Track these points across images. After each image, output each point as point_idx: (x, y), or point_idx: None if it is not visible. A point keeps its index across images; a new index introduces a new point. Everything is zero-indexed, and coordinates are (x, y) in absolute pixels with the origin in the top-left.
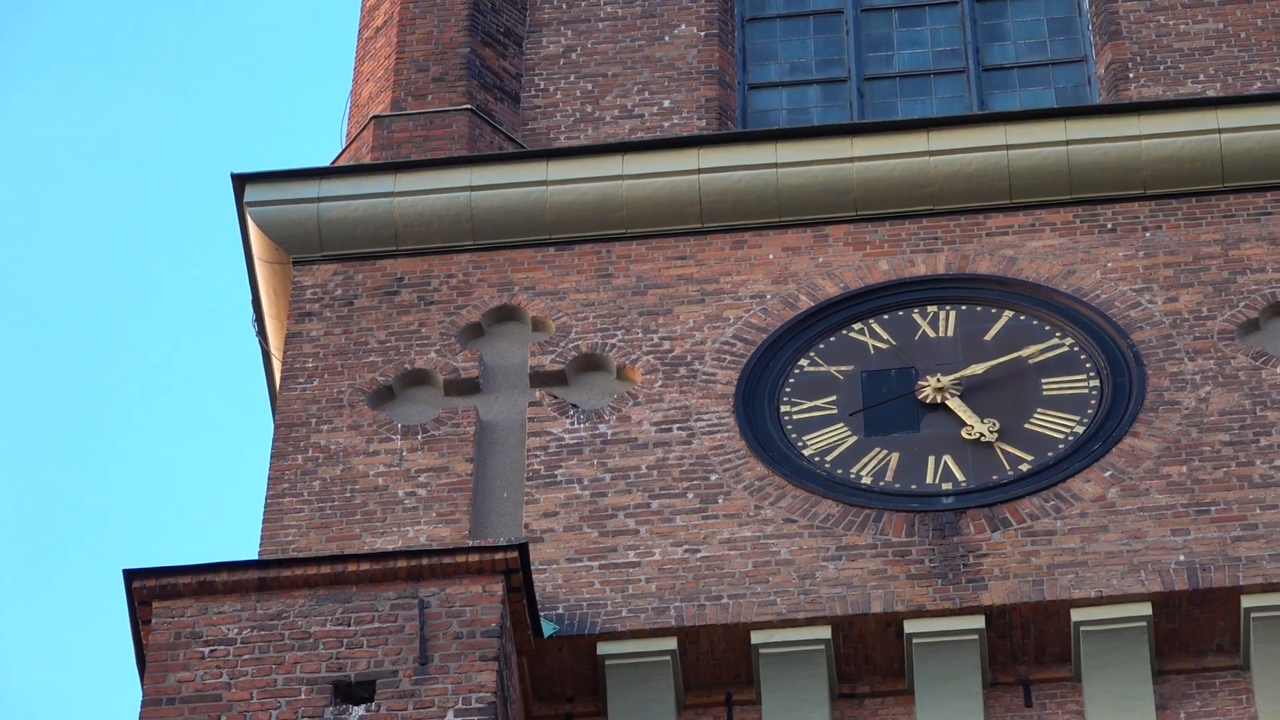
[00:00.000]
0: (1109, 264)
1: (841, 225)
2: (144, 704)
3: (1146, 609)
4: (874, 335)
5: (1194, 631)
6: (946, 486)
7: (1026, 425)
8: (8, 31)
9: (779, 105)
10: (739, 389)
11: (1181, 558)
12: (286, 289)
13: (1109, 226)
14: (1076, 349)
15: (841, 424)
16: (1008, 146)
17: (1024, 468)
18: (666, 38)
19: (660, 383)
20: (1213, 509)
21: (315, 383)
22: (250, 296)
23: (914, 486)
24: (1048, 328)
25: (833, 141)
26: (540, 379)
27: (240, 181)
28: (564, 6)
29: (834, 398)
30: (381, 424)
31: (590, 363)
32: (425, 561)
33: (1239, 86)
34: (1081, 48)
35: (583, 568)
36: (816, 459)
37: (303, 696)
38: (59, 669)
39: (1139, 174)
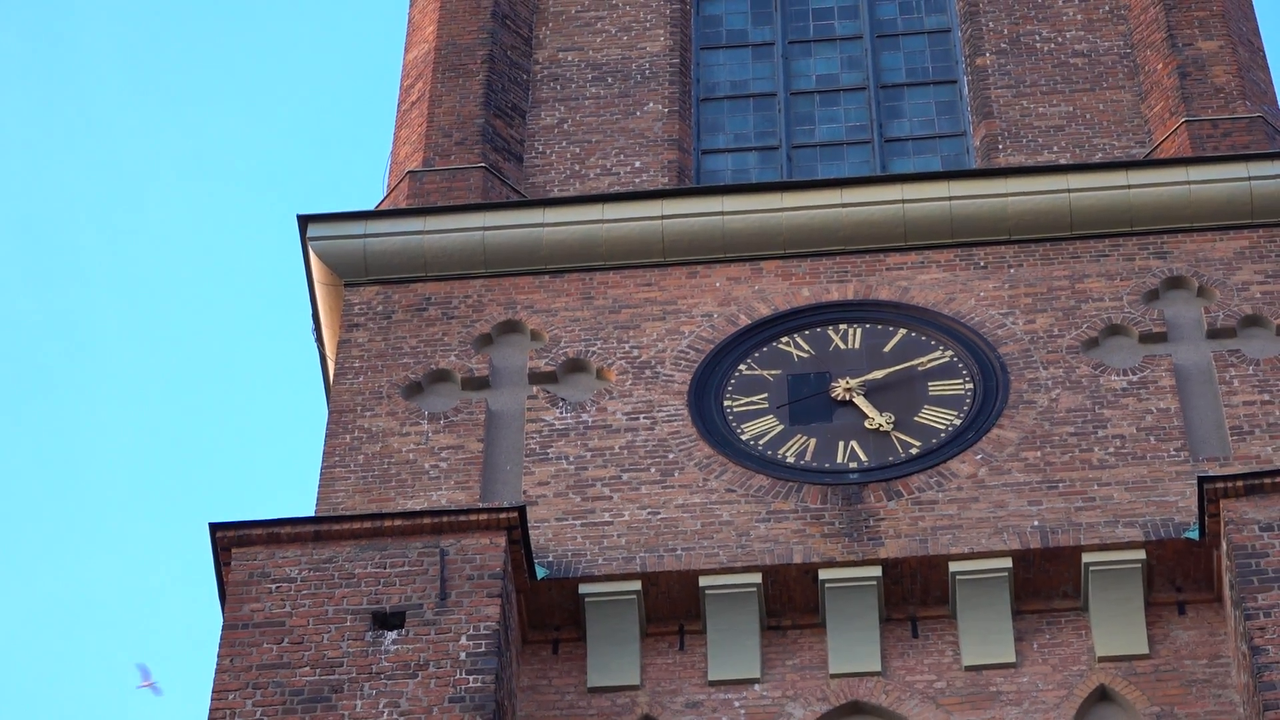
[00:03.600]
0: (981, 293)
1: (774, 260)
2: (224, 628)
3: (1008, 563)
4: (797, 346)
5: (1045, 581)
6: (853, 465)
7: (916, 418)
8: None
9: (726, 167)
10: (692, 387)
11: (1036, 523)
12: (339, 306)
13: (982, 264)
14: (955, 359)
15: (771, 415)
16: (903, 201)
17: (913, 451)
18: (638, 113)
19: (630, 381)
20: (1060, 485)
21: (361, 379)
22: (311, 312)
23: (827, 465)
24: (933, 342)
25: (767, 195)
26: (537, 378)
27: (304, 221)
28: (558, 88)
29: (765, 395)
30: (412, 412)
31: (576, 365)
32: (445, 519)
33: (1085, 156)
34: (962, 124)
35: (568, 525)
36: (752, 442)
37: (349, 623)
38: (156, 604)
39: (1006, 223)
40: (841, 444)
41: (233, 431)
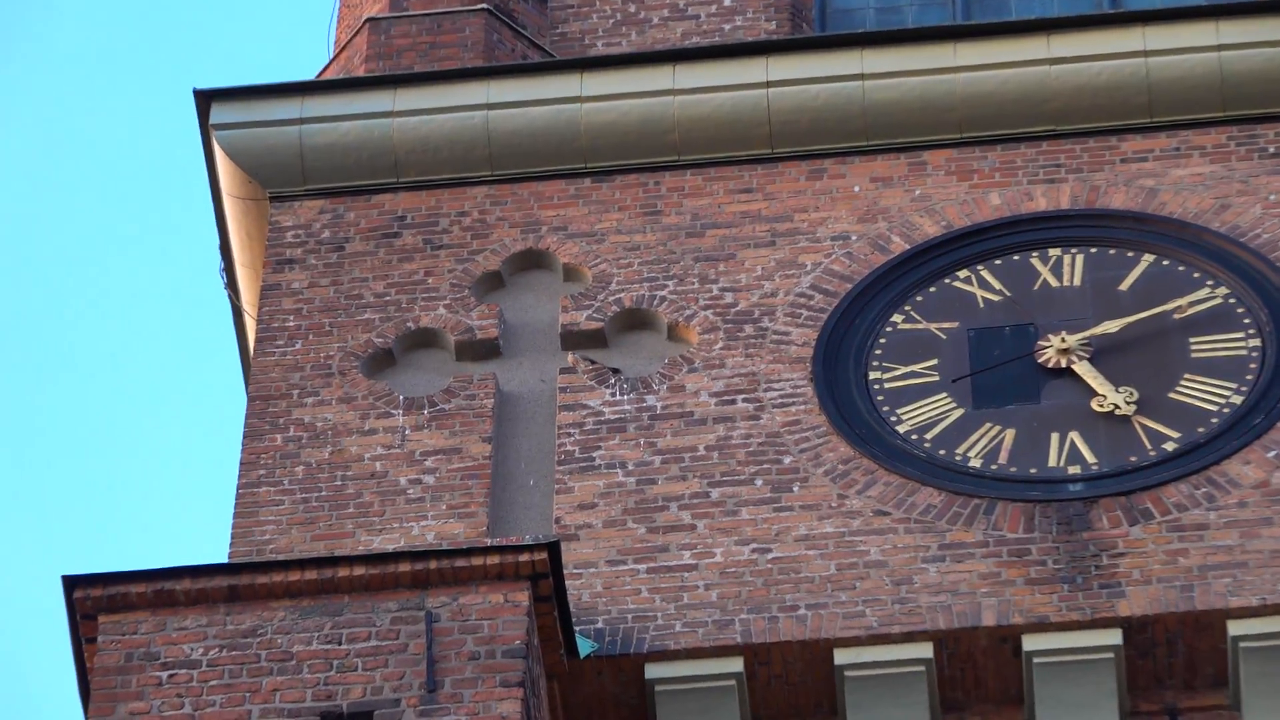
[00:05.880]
0: (1271, 196)
1: (943, 150)
2: None
3: None
4: (984, 285)
5: None
6: (1074, 470)
7: (1171, 395)
8: None
9: (865, 3)
10: (818, 351)
11: None
12: (262, 231)
13: (1271, 150)
14: (1232, 301)
15: (945, 394)
16: (1146, 53)
17: (1169, 447)
18: None
19: (721, 344)
20: None
21: (298, 345)
22: (218, 240)
23: (1034, 471)
24: (1197, 275)
25: (932, 47)
26: (574, 340)
27: (205, 99)
28: None
29: (935, 361)
30: (379, 396)
31: (635, 320)
32: (433, 565)
33: None
34: None
35: (627, 571)
36: (914, 437)
37: None
38: None
39: None
40: (1056, 437)
41: (97, 434)
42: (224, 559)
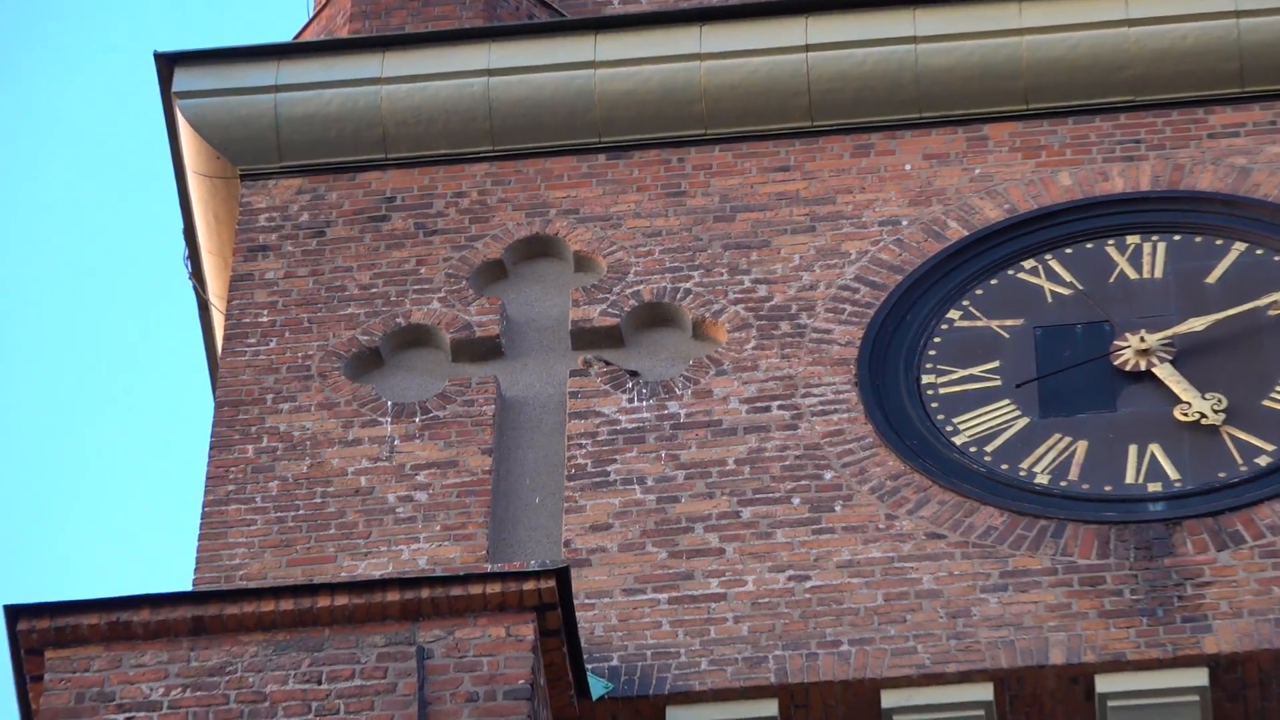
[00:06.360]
0: None
1: (1006, 123)
2: None
3: None
4: (1053, 276)
5: None
6: (1154, 488)
7: (1265, 402)
8: None
9: None
10: (864, 352)
11: None
12: (232, 213)
13: None
14: None
15: (1007, 401)
16: (1238, 13)
17: (1262, 462)
18: None
19: (754, 343)
20: None
21: (272, 344)
22: (182, 225)
23: (1108, 488)
24: None
25: (994, 7)
26: (586, 338)
27: (167, 64)
28: None
29: (996, 364)
30: (365, 401)
31: (656, 316)
32: (425, 593)
33: None
34: None
35: (646, 602)
36: (972, 450)
37: None
38: None
39: None
40: (1134, 450)
41: (45, 446)
42: (188, 587)
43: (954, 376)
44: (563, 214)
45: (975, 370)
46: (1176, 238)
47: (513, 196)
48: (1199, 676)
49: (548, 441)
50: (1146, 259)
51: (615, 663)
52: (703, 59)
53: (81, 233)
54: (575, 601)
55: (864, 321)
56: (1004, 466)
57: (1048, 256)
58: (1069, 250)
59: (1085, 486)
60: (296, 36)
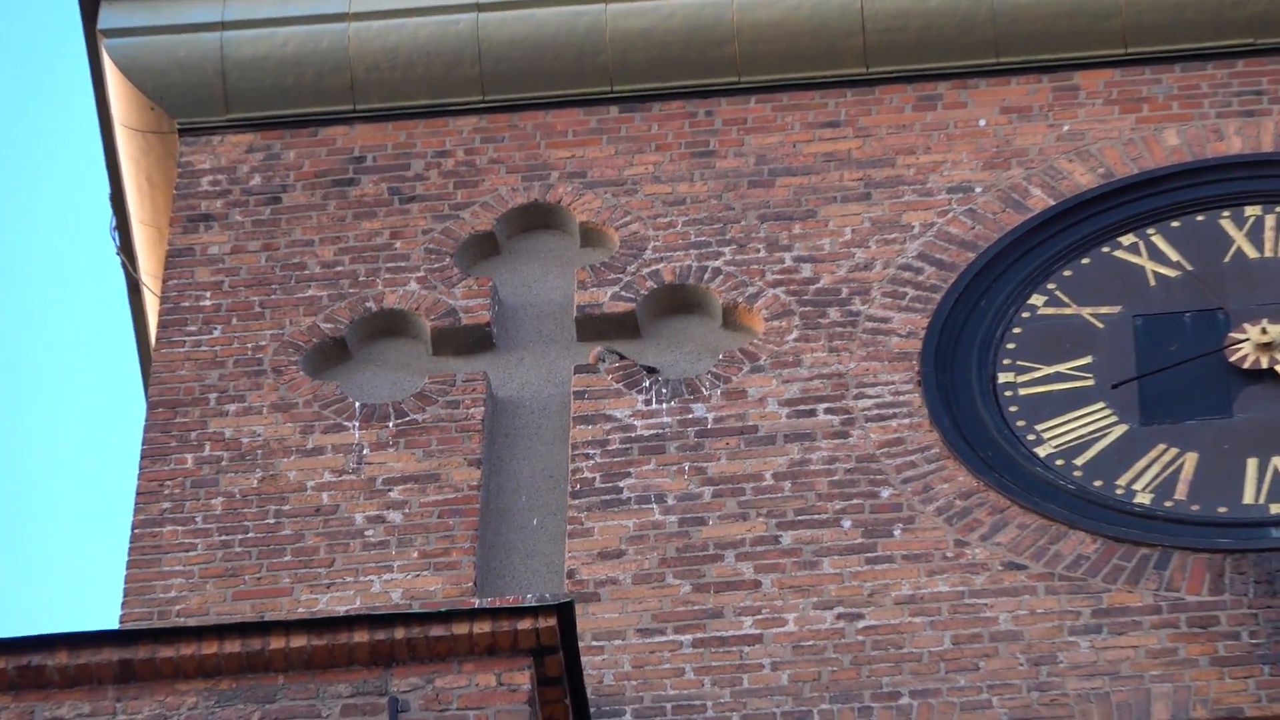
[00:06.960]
0: None
1: (1101, 71)
2: None
3: None
4: (1156, 255)
5: None
6: (1277, 510)
7: None
8: None
9: None
10: (928, 345)
11: None
12: (169, 175)
13: None
14: None
15: (1102, 404)
16: None
17: None
18: None
19: (796, 334)
20: None
21: (216, 332)
22: (108, 189)
23: (1223, 510)
24: None
25: None
26: (595, 327)
27: (90, 2)
28: None
29: (1089, 360)
30: (328, 402)
31: (679, 300)
32: (400, 634)
33: None
34: None
35: (666, 644)
36: (1059, 463)
37: None
38: None
39: None
40: (1253, 465)
41: None
42: (114, 624)
43: (1037, 375)
44: (566, 178)
45: (1063, 368)
46: None
47: (506, 156)
48: None
49: (548, 451)
50: (1269, 234)
51: (628, 718)
52: None
53: None
54: (580, 644)
55: (929, 308)
56: (1097, 483)
57: (1150, 231)
58: (1176, 224)
59: (1195, 508)
60: None
